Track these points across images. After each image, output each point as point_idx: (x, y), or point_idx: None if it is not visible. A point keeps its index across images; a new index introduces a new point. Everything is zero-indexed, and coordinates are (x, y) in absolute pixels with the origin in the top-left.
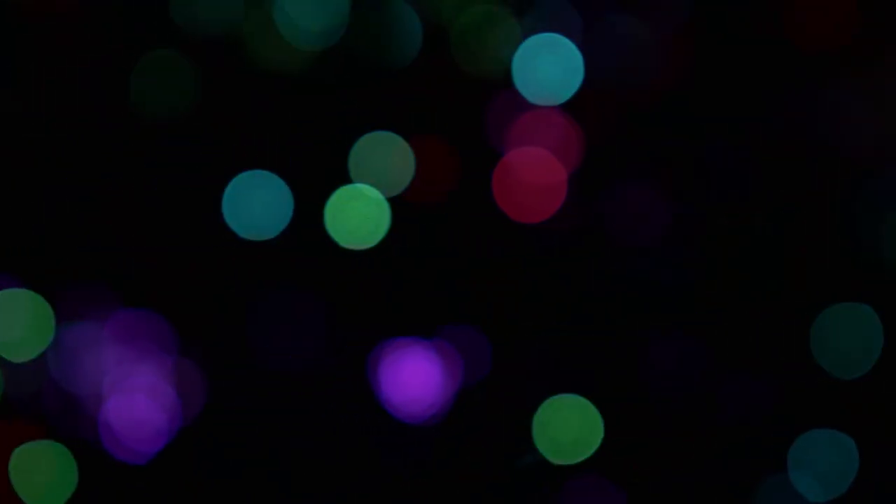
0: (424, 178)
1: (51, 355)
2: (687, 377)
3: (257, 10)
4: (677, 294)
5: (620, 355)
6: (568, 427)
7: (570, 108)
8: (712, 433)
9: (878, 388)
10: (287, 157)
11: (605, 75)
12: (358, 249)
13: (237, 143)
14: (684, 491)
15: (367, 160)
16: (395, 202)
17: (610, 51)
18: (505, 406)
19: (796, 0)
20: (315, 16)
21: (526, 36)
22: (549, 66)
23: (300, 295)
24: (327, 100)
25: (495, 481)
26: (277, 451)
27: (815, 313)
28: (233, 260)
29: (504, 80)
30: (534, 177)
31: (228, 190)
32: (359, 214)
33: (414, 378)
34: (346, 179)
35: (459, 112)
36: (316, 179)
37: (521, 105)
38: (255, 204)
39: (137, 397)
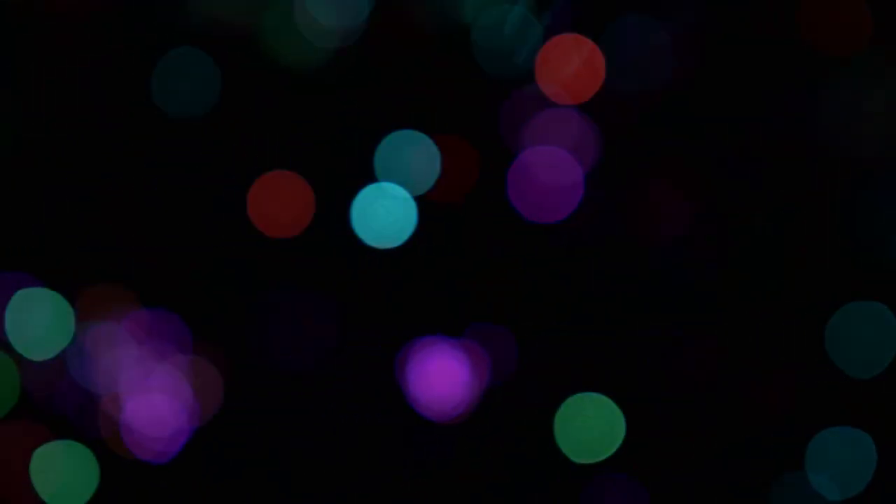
0: (448, 177)
1: (70, 354)
2: (706, 376)
3: (278, 7)
4: (696, 293)
5: (641, 354)
6: (590, 425)
7: (587, 107)
8: (731, 432)
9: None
10: (312, 156)
11: (622, 75)
12: (384, 248)
13: (260, 141)
14: (703, 489)
15: (394, 159)
16: (419, 201)
17: (627, 50)
18: (529, 404)
19: (808, 2)
20: (335, 13)
21: (547, 36)
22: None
23: (326, 294)
24: (352, 99)
25: (518, 479)
26: (301, 450)
27: (830, 312)
28: (258, 260)
29: (524, 80)
30: (550, 176)
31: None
32: (385, 213)
33: (441, 377)
34: (372, 178)
35: (478, 111)
36: (342, 178)
37: (539, 104)
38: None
39: (156, 396)
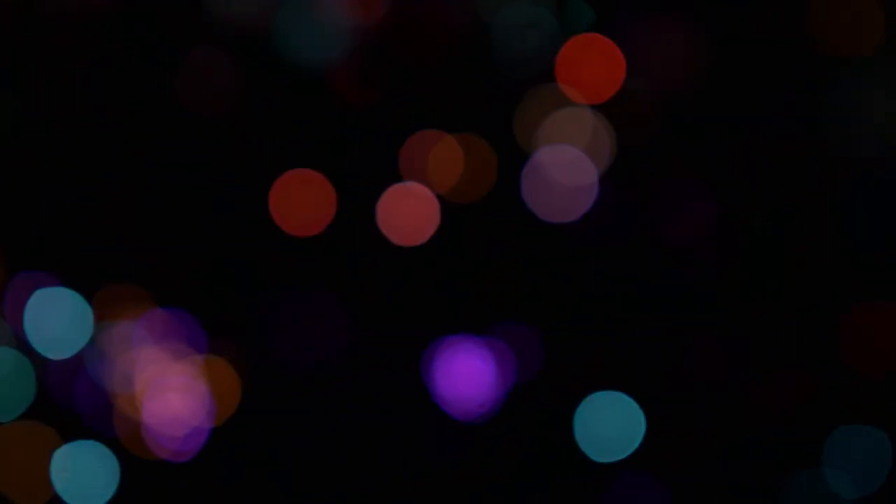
0: (471, 175)
1: (88, 353)
2: (725, 374)
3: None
4: (713, 292)
5: (658, 353)
6: (610, 424)
7: (603, 107)
8: (749, 430)
9: None
10: (334, 154)
11: (639, 75)
12: (409, 247)
13: (284, 142)
14: (722, 487)
15: (418, 158)
16: (442, 200)
17: (643, 51)
18: (548, 403)
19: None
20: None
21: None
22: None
23: (350, 293)
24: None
25: (538, 478)
26: (324, 449)
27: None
28: (279, 258)
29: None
30: (564, 176)
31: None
32: (409, 212)
33: (466, 375)
34: (397, 177)
35: (496, 110)
36: (364, 177)
37: (556, 104)
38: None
39: (174, 396)
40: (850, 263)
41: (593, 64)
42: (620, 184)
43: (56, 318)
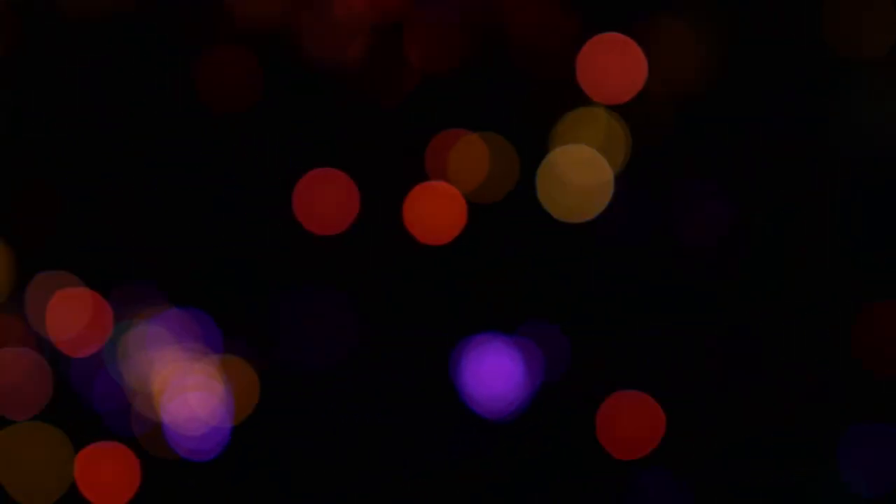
0: (495, 174)
1: (108, 352)
2: (743, 372)
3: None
4: (734, 290)
5: (678, 352)
6: (630, 421)
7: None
8: (765, 429)
9: None
10: (364, 154)
11: (655, 76)
12: (437, 246)
13: (308, 141)
14: (741, 485)
15: (443, 157)
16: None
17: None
18: (571, 401)
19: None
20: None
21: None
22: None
23: (380, 292)
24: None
25: (560, 476)
26: (354, 447)
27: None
28: (305, 257)
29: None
30: (580, 176)
31: None
32: (438, 211)
33: (494, 374)
34: (421, 176)
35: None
36: (393, 177)
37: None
38: None
39: (193, 395)
40: (869, 261)
41: (615, 64)
42: (638, 183)
43: (76, 318)
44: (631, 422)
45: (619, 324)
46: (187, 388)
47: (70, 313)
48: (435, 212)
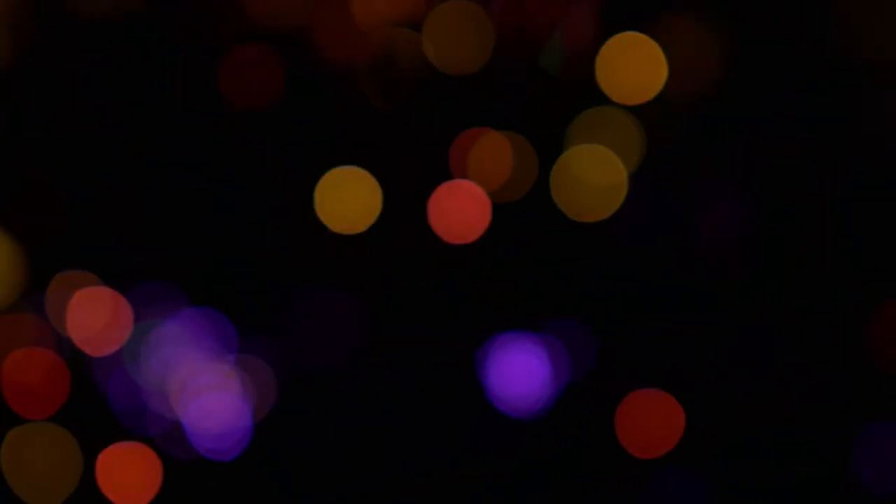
0: (517, 173)
1: (128, 351)
2: (761, 371)
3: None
4: (746, 290)
5: (700, 350)
6: (649, 420)
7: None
8: (784, 428)
9: None
10: (386, 153)
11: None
12: (460, 244)
13: (333, 141)
14: (759, 483)
15: (467, 156)
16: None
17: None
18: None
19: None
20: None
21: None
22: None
23: (405, 291)
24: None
25: (579, 474)
26: (377, 445)
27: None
28: (328, 256)
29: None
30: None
31: None
32: (463, 210)
33: (521, 372)
34: (447, 175)
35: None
36: (416, 176)
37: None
38: None
39: (213, 395)
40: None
41: (634, 64)
42: (653, 183)
43: (96, 317)
44: (650, 421)
45: (637, 323)
46: (207, 388)
47: (90, 312)
48: (460, 211)
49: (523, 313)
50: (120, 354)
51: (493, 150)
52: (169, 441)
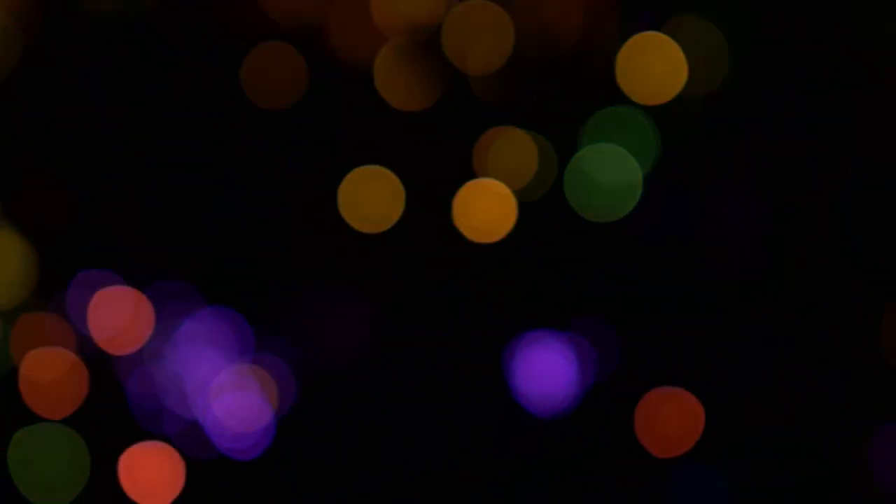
0: (541, 173)
1: (149, 351)
2: (782, 368)
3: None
4: (765, 291)
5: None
6: (669, 418)
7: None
8: (804, 428)
9: None
10: (411, 152)
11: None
12: (485, 243)
13: (356, 140)
14: (776, 482)
15: (493, 154)
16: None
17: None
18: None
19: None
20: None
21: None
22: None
23: (431, 290)
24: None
25: (600, 472)
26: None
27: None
28: (353, 255)
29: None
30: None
31: None
32: (488, 209)
33: (547, 372)
34: (472, 174)
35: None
36: (441, 175)
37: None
38: None
39: (235, 394)
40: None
41: (655, 64)
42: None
43: (118, 316)
44: (669, 419)
45: (657, 322)
46: (227, 387)
47: (112, 311)
48: (486, 209)
49: (548, 312)
50: (140, 354)
51: (517, 148)
52: (189, 440)
